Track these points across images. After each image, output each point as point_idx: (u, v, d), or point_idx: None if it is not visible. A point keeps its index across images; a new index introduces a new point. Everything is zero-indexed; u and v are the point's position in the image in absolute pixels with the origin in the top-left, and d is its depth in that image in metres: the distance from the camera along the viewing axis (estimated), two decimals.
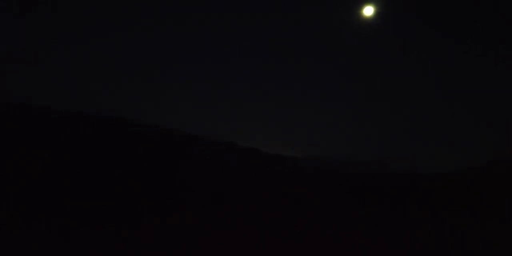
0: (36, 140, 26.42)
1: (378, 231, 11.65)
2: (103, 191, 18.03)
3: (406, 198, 26.28)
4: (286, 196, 23.59)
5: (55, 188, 17.05)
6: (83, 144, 29.54)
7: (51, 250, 7.47)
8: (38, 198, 13.97)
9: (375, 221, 14.14)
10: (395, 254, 8.58)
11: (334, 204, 20.37)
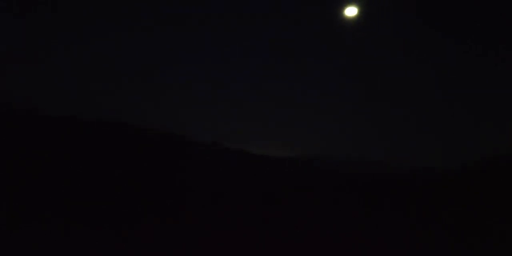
0: (36, 140, 26.45)
1: (378, 231, 11.66)
2: (103, 191, 18.03)
3: (406, 198, 26.29)
4: (286, 196, 23.60)
5: (55, 188, 17.05)
6: (83, 144, 29.59)
7: (51, 250, 7.47)
8: (38, 198, 13.97)
9: (375, 221, 14.14)
10: (395, 254, 8.58)
11: (334, 204, 20.37)
